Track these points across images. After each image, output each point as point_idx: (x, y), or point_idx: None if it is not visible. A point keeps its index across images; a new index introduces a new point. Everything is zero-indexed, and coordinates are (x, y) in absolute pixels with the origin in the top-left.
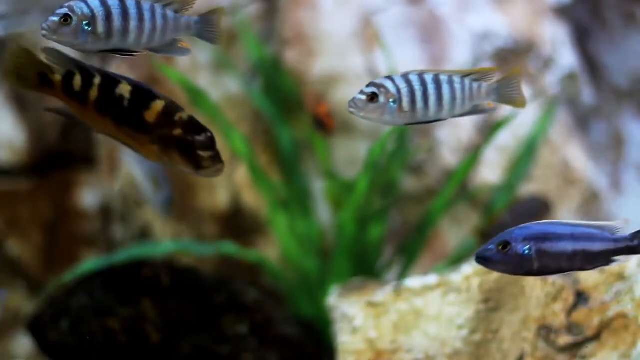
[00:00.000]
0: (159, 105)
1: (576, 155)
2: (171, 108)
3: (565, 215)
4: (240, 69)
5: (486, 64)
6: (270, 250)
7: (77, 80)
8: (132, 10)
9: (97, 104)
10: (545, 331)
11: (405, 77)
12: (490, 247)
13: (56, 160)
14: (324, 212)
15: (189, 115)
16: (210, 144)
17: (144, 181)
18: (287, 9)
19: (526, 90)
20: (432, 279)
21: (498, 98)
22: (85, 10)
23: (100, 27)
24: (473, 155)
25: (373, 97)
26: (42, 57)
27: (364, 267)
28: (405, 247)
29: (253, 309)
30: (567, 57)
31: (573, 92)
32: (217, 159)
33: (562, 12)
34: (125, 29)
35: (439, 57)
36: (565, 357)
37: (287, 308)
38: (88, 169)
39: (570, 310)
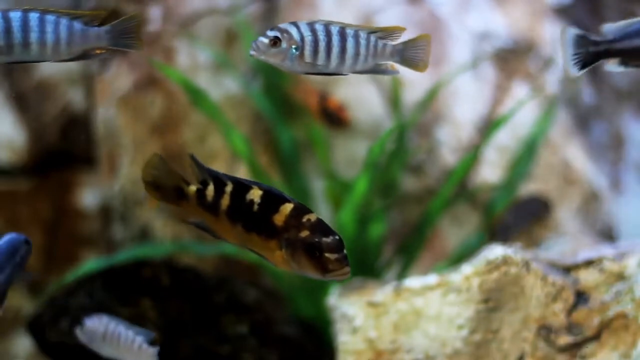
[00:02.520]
0: (287, 208)
1: (576, 155)
2: (299, 210)
3: (566, 215)
4: (240, 69)
5: (487, 65)
6: None
7: (210, 190)
8: (33, 23)
9: (228, 211)
10: (545, 331)
11: (311, 25)
12: None
13: (56, 160)
14: (324, 212)
15: (317, 217)
16: (338, 246)
17: None
18: (287, 9)
19: (526, 90)
20: (432, 279)
21: (401, 60)
22: None
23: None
24: (472, 154)
25: (276, 42)
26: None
27: (364, 267)
28: (405, 247)
29: (253, 309)
30: None
31: (573, 92)
32: (344, 262)
33: (562, 12)
34: (25, 43)
35: (439, 57)
36: (565, 357)
37: (287, 308)
38: (88, 169)
39: (570, 310)
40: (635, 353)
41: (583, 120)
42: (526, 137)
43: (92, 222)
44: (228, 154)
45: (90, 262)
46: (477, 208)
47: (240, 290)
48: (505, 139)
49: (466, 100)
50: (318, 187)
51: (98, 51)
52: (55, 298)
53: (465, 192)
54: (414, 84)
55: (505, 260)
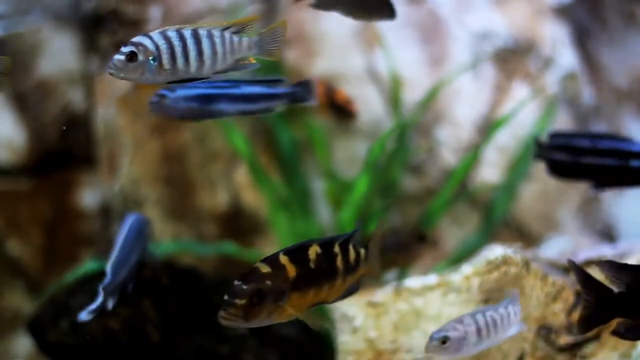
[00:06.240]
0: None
1: None
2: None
3: (566, 215)
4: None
5: (487, 65)
6: (270, 250)
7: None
8: None
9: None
10: (545, 331)
11: (164, 33)
12: None
13: (56, 160)
14: (324, 212)
15: (260, 265)
16: (233, 291)
17: None
18: (287, 9)
19: (526, 90)
20: (432, 279)
21: (260, 51)
22: None
23: None
24: (472, 154)
25: (132, 57)
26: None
27: None
28: None
29: None
30: (567, 57)
31: (573, 92)
32: (223, 305)
33: (562, 12)
34: None
35: (439, 57)
36: (565, 357)
37: None
38: (88, 169)
39: (570, 310)
40: (635, 353)
41: (583, 120)
42: (526, 137)
43: (92, 222)
44: (228, 154)
45: (90, 262)
46: (477, 208)
47: None
48: (505, 139)
49: (466, 100)
50: (318, 187)
51: None
52: (55, 298)
53: (465, 192)
54: (414, 84)
55: (505, 260)
